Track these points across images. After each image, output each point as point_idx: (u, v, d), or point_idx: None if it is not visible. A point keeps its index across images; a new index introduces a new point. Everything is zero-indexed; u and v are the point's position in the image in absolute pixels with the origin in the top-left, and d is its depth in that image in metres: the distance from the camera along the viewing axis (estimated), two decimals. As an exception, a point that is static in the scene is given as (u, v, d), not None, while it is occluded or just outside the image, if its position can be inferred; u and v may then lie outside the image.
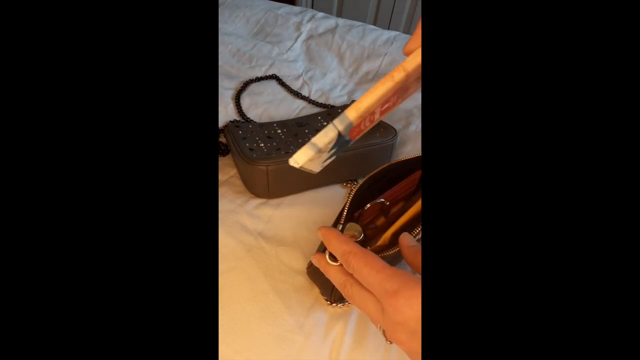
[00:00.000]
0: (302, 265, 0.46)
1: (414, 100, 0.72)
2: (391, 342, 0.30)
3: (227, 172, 0.56)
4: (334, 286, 0.38)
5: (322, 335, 0.40)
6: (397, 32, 0.88)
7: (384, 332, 0.30)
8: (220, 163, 0.57)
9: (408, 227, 0.38)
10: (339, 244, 0.32)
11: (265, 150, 0.52)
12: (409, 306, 0.26)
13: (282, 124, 0.59)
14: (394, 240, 0.37)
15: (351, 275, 0.31)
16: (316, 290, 0.44)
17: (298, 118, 0.62)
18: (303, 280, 0.45)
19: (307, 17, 0.91)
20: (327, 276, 0.34)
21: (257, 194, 0.53)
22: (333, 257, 0.33)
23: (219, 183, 0.55)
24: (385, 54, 0.82)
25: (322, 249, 0.38)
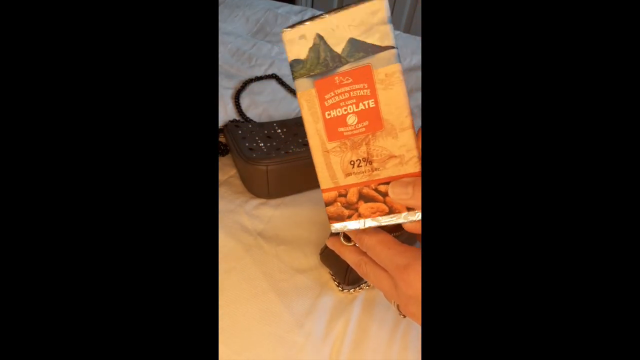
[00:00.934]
0: (302, 265, 0.46)
1: (414, 100, 0.72)
2: (405, 316, 0.31)
3: (226, 172, 0.56)
4: (347, 268, 0.39)
5: (322, 335, 0.40)
6: (397, 32, 0.88)
7: (397, 307, 0.32)
8: (219, 163, 0.57)
9: None
10: None
11: (265, 150, 0.52)
12: (419, 280, 0.28)
13: (282, 123, 0.58)
14: None
15: (365, 254, 0.33)
16: (317, 290, 0.44)
17: (298, 117, 0.62)
18: (303, 279, 0.45)
19: (307, 16, 0.90)
20: (342, 257, 0.36)
21: (257, 194, 0.53)
22: (347, 238, 0.35)
23: (219, 183, 0.55)
24: (385, 54, 0.82)
25: None
